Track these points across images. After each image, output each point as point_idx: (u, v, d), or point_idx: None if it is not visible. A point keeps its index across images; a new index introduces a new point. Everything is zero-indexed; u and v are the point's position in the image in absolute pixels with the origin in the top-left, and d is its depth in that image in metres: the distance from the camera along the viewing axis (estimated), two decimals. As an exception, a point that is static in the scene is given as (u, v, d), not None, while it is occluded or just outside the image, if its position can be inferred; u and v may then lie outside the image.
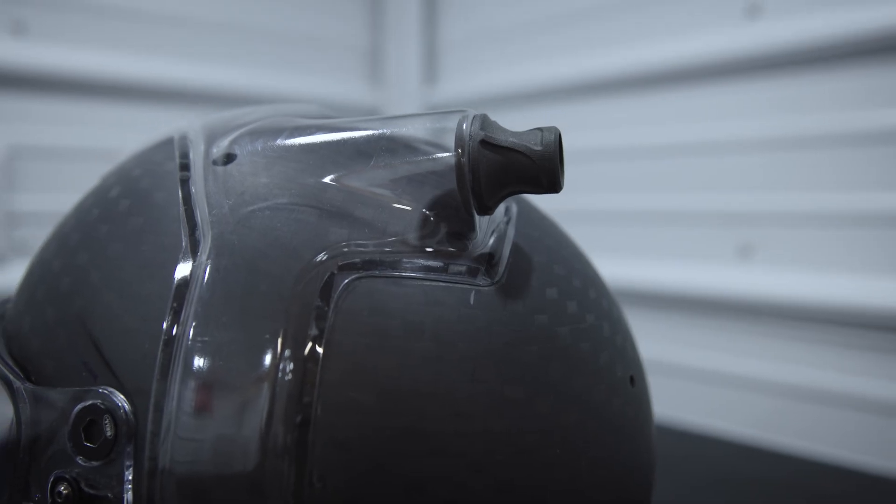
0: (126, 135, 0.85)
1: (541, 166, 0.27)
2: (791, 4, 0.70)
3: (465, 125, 0.27)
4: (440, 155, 0.30)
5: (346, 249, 0.27)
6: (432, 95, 1.01)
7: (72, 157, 0.82)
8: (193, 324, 0.26)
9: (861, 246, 0.67)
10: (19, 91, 0.79)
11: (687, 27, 0.77)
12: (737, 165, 0.74)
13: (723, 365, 0.74)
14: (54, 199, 0.81)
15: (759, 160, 0.72)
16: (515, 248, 0.30)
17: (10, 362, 0.30)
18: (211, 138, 0.32)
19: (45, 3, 0.80)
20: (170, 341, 0.26)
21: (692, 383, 0.76)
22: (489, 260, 0.28)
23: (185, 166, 0.31)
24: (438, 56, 1.03)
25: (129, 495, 0.26)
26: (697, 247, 0.76)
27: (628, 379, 0.32)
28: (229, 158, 0.30)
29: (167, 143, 0.33)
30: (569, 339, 0.29)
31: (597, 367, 0.30)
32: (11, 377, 0.29)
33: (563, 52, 0.88)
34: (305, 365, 0.25)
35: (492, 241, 0.29)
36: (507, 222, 0.31)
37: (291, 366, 0.25)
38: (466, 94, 0.98)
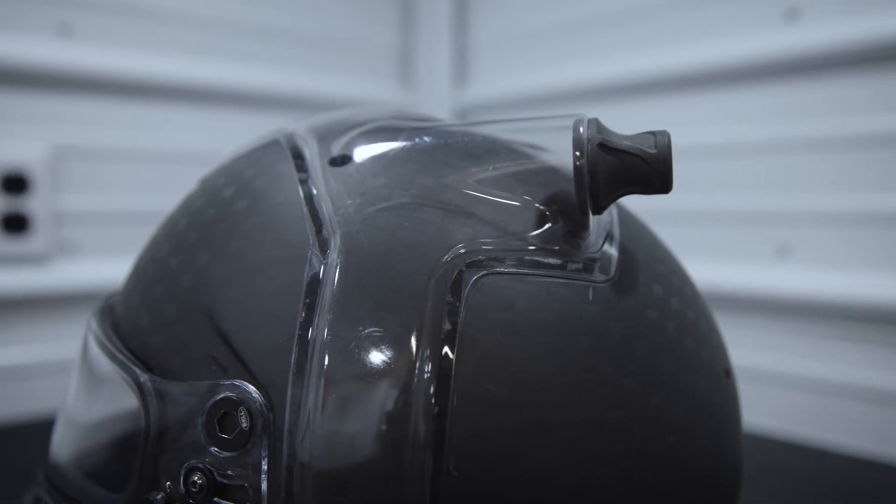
0: (169, 136, 0.86)
1: (655, 168, 0.28)
2: (830, 7, 0.71)
3: (581, 129, 0.29)
4: (553, 158, 0.32)
5: (471, 248, 0.28)
6: (463, 97, 1.02)
7: (117, 158, 0.83)
8: (329, 319, 0.27)
9: (900, 246, 0.68)
10: (65, 92, 0.80)
11: (723, 29, 0.78)
12: (774, 166, 0.75)
13: (762, 363, 0.76)
14: (99, 199, 0.82)
15: (796, 161, 0.73)
16: (622, 247, 0.31)
17: (132, 357, 0.31)
18: (323, 139, 0.33)
19: (91, 4, 0.81)
20: (304, 336, 0.27)
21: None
22: (602, 258, 0.30)
23: (300, 167, 0.32)
24: (469, 58, 1.04)
25: (264, 486, 0.27)
26: (735, 247, 0.77)
27: (724, 373, 0.33)
28: (345, 160, 0.31)
29: (274, 145, 0.34)
30: (675, 334, 0.30)
31: (700, 363, 0.31)
32: (137, 371, 0.30)
33: (595, 54, 0.89)
34: (441, 359, 0.26)
35: (602, 240, 0.30)
36: (611, 223, 0.32)
37: (428, 360, 0.26)
38: (497, 95, 0.99)
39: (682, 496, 0.29)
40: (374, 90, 1.02)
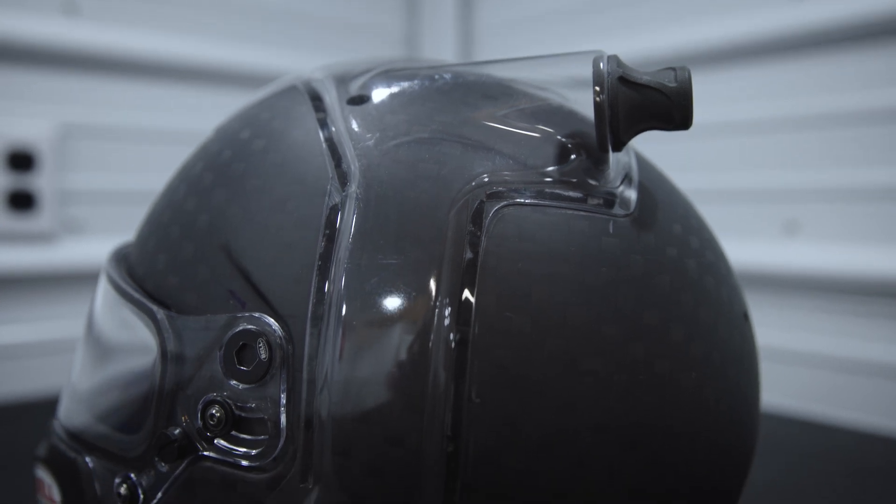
0: (175, 115, 0.86)
1: (675, 103, 0.28)
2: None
3: (602, 64, 0.28)
4: (570, 99, 0.32)
5: (492, 179, 0.28)
6: (468, 81, 1.02)
7: (123, 137, 0.83)
8: (349, 249, 0.27)
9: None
10: (71, 71, 0.80)
11: (729, 8, 0.78)
12: (782, 142, 0.75)
13: (772, 339, 0.75)
14: (105, 177, 0.82)
15: (804, 137, 0.73)
16: (642, 187, 0.31)
17: (148, 296, 0.31)
18: (341, 82, 0.33)
19: (97, -17, 0.81)
20: (324, 267, 0.27)
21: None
22: (622, 194, 0.30)
23: (318, 108, 0.32)
24: (474, 42, 1.04)
25: (283, 418, 0.27)
26: (744, 223, 0.77)
27: (743, 315, 0.33)
28: (364, 99, 0.31)
29: (290, 90, 0.34)
30: (695, 272, 0.30)
31: (719, 302, 0.31)
32: (154, 308, 0.30)
33: (600, 37, 0.89)
34: (463, 287, 0.26)
35: (621, 178, 0.30)
36: (630, 164, 0.32)
37: (449, 288, 0.26)
38: (502, 79, 0.99)
39: (702, 433, 0.29)
40: (379, 75, 1.02)
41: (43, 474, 0.35)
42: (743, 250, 0.79)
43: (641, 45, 0.84)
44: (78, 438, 0.33)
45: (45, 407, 0.73)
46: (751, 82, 0.77)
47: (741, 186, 0.77)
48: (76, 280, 0.80)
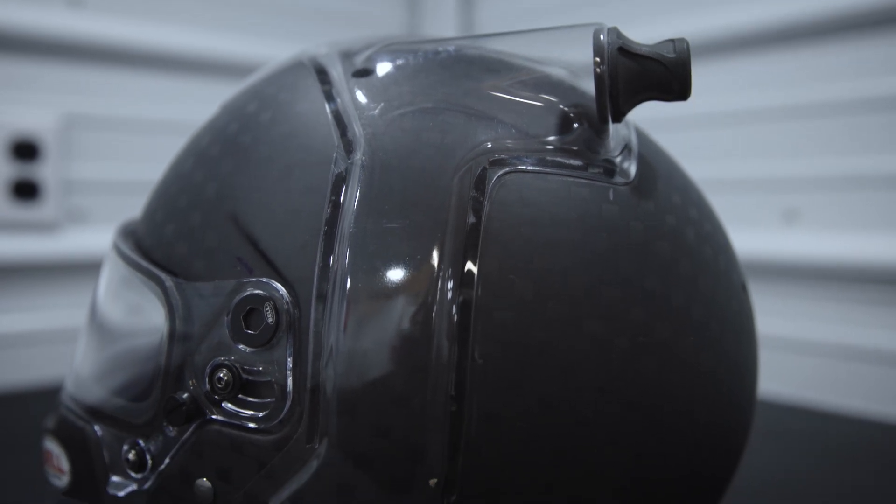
0: (179, 107, 0.86)
1: (674, 73, 0.29)
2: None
3: (602, 36, 0.29)
4: (570, 72, 0.32)
5: (494, 147, 0.29)
6: (468, 75, 1.03)
7: (126, 128, 0.83)
8: (354, 214, 0.28)
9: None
10: (76, 61, 0.80)
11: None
12: (781, 131, 0.75)
13: (772, 328, 0.76)
14: (109, 167, 0.83)
15: (803, 126, 0.74)
16: (641, 158, 0.31)
17: (156, 265, 0.32)
18: (346, 56, 0.33)
19: (101, -25, 0.81)
20: (330, 232, 0.28)
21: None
22: (622, 164, 0.30)
23: (324, 81, 0.32)
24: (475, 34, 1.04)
25: (290, 381, 0.28)
26: (743, 212, 0.78)
27: (741, 286, 0.33)
28: (368, 72, 0.32)
29: (296, 66, 0.34)
30: (694, 240, 0.31)
31: (718, 270, 0.31)
32: (162, 275, 0.31)
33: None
34: (466, 250, 0.27)
35: (621, 149, 0.31)
36: (629, 137, 0.32)
37: (454, 251, 0.27)
38: (503, 73, 0.99)
39: (701, 397, 0.30)
40: (380, 68, 1.02)
41: (51, 445, 0.35)
42: (743, 239, 0.79)
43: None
44: (86, 408, 0.34)
45: (49, 396, 0.73)
46: (749, 72, 0.77)
47: (740, 176, 0.78)
48: (80, 269, 0.81)
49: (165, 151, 0.88)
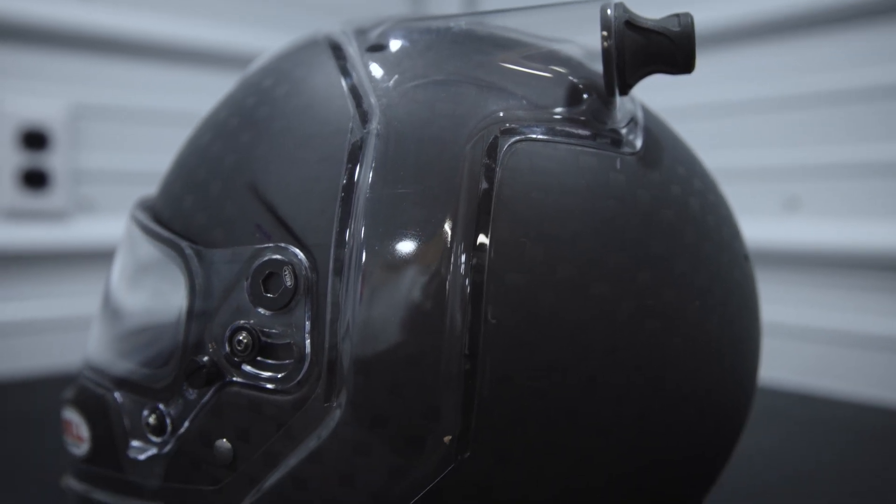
0: (188, 98, 0.87)
1: (679, 45, 0.30)
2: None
3: (609, 10, 0.30)
4: (577, 48, 0.33)
5: (505, 116, 0.29)
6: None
7: (135, 118, 0.84)
8: (371, 180, 0.28)
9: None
10: (85, 52, 0.81)
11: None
12: (781, 120, 0.76)
13: (771, 314, 0.77)
14: (118, 157, 0.84)
15: (803, 114, 0.75)
16: (647, 130, 0.32)
17: (175, 234, 0.32)
18: (359, 33, 0.34)
19: (109, -33, 0.82)
20: (347, 198, 0.29)
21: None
22: (628, 136, 0.31)
23: (339, 56, 0.33)
24: (478, 30, 1.05)
25: (308, 343, 0.29)
26: (745, 201, 0.78)
27: (744, 256, 0.34)
28: (382, 47, 0.33)
29: (310, 43, 0.35)
30: (698, 210, 0.31)
31: (721, 239, 0.32)
32: (182, 243, 0.32)
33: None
34: (479, 215, 0.28)
35: (627, 121, 0.32)
36: (635, 111, 0.33)
37: (467, 215, 0.28)
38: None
39: (705, 361, 0.30)
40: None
41: (70, 415, 0.36)
42: (744, 227, 0.80)
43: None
44: (106, 376, 0.35)
45: (57, 382, 0.74)
46: (750, 62, 0.78)
47: (742, 165, 0.79)
48: (88, 258, 0.82)
49: (173, 142, 0.89)
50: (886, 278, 0.71)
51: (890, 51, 0.70)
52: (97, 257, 0.81)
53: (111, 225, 0.85)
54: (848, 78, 0.72)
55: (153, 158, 0.85)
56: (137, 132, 0.85)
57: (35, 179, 0.79)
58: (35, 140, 0.78)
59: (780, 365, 0.76)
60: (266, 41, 0.91)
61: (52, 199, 0.80)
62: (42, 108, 0.79)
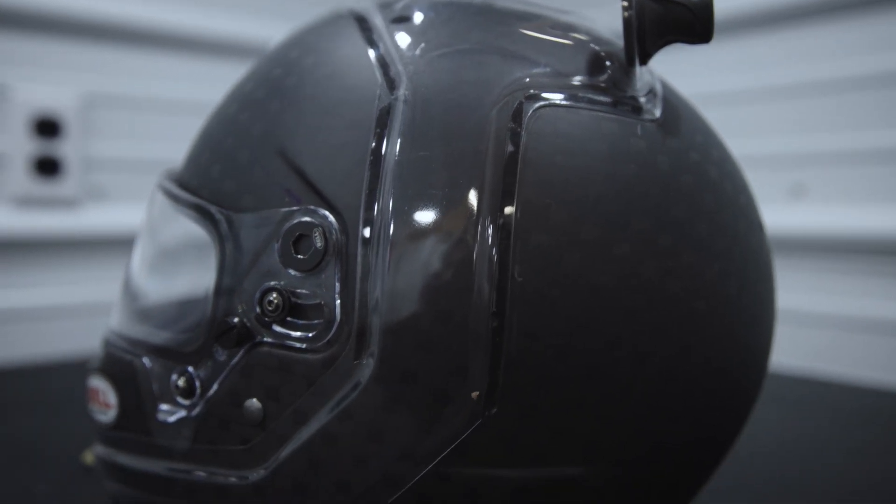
0: (199, 87, 0.88)
1: (698, 15, 0.31)
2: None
3: (629, -20, 0.31)
4: (596, 23, 0.34)
5: (529, 83, 0.30)
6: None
7: (147, 107, 0.85)
8: (399, 143, 0.29)
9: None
10: (96, 41, 0.82)
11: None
12: (788, 108, 0.77)
13: (779, 300, 0.78)
14: (129, 146, 0.85)
15: (809, 102, 0.76)
16: (666, 101, 0.33)
17: (204, 200, 0.33)
18: (384, 6, 0.35)
19: (121, -43, 0.83)
20: (376, 161, 0.29)
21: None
22: (647, 104, 0.32)
23: (365, 28, 0.34)
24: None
25: (338, 303, 0.29)
26: (751, 188, 0.79)
27: (759, 225, 0.35)
28: (407, 19, 0.33)
29: (335, 18, 0.36)
30: (716, 177, 0.32)
31: (738, 206, 0.33)
32: (212, 208, 0.32)
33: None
34: (504, 176, 0.28)
35: (647, 91, 0.32)
36: (654, 82, 0.34)
37: (494, 176, 0.28)
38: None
39: (724, 322, 0.31)
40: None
41: (97, 382, 0.37)
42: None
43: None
44: (134, 342, 0.35)
45: (68, 368, 0.75)
46: (756, 51, 0.79)
47: (748, 152, 0.79)
48: (99, 245, 0.82)
49: (184, 131, 0.90)
50: (892, 263, 0.71)
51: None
52: (108, 245, 0.82)
53: (122, 213, 0.86)
54: (853, 65, 0.73)
55: (164, 147, 0.86)
56: (149, 121, 0.85)
57: (47, 167, 0.79)
58: (47, 128, 0.79)
59: (786, 349, 0.77)
60: (278, 31, 0.92)
61: (64, 186, 0.80)
62: (54, 97, 0.80)
